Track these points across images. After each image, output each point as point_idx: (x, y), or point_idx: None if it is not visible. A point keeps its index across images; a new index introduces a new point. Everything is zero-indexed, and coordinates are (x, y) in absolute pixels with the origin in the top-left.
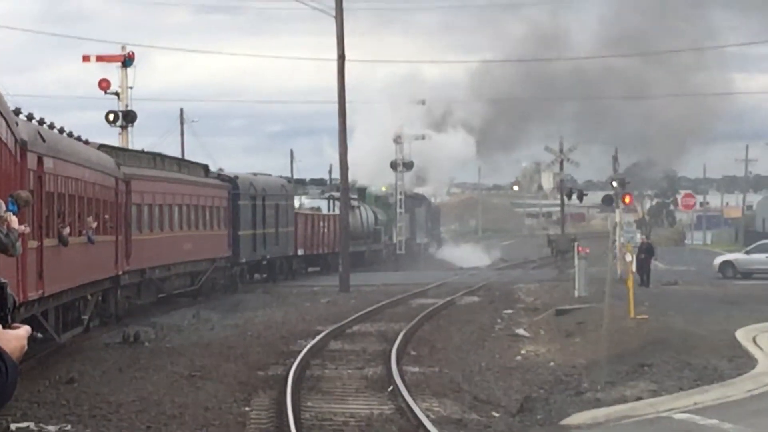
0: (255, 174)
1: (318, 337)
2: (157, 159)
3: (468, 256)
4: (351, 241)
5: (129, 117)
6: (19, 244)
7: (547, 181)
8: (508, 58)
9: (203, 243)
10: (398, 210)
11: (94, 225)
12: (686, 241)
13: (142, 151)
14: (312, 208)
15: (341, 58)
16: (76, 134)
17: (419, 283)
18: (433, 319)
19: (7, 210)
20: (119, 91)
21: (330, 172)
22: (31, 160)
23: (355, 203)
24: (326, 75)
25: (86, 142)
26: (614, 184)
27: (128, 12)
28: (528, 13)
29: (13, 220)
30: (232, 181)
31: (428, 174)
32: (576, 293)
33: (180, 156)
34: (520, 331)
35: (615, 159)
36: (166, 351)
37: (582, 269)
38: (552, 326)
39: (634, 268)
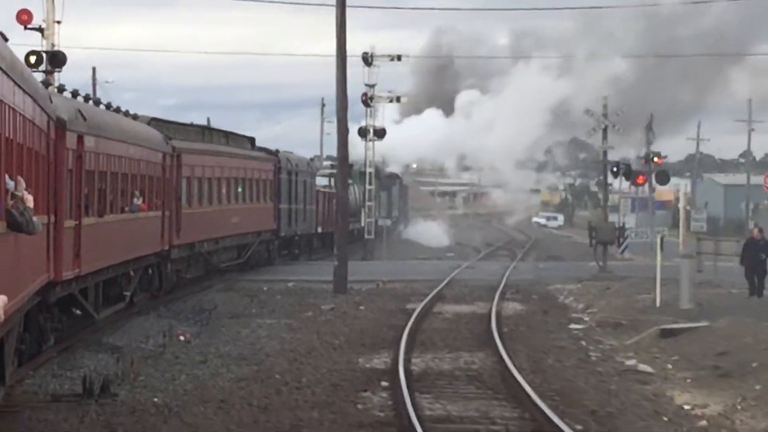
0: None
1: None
2: (205, 132)
3: (430, 236)
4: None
5: (56, 60)
6: (37, 221)
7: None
8: None
9: (250, 216)
10: (368, 186)
11: (140, 201)
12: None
13: (191, 124)
14: (323, 186)
15: (342, 6)
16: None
17: (421, 280)
18: (510, 344)
19: None
20: (44, 25)
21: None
22: (70, 139)
23: (349, 181)
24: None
25: (135, 117)
26: (655, 159)
27: None
28: None
29: (29, 199)
30: (274, 155)
31: (396, 154)
32: (658, 302)
33: None
34: (636, 364)
35: (649, 128)
36: (159, 414)
37: (687, 273)
38: (674, 356)
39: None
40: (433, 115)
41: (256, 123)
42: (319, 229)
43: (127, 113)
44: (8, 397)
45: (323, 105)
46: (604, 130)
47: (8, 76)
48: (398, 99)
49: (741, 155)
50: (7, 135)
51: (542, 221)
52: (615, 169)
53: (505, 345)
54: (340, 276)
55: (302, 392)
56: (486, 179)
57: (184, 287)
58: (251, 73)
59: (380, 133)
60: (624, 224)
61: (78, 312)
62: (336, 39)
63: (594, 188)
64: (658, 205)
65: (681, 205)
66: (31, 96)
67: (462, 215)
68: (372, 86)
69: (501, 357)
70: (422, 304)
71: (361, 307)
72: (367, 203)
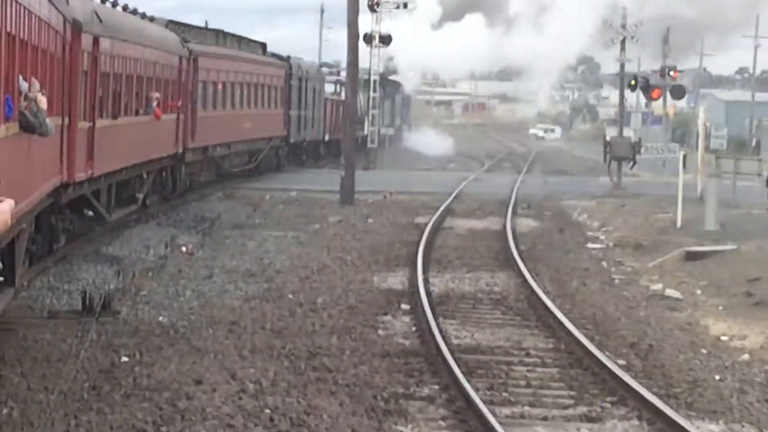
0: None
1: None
2: (219, 36)
3: (432, 145)
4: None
5: None
6: (49, 122)
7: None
8: None
9: (262, 122)
10: (372, 94)
11: (156, 96)
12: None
13: (207, 28)
14: (329, 93)
15: None
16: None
17: (429, 192)
18: (530, 264)
19: None
20: None
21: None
22: (86, 41)
23: None
24: None
25: (151, 20)
26: (671, 73)
27: None
28: None
29: (42, 101)
30: (286, 61)
31: (400, 61)
32: (679, 222)
33: None
34: (662, 289)
35: (666, 42)
36: (164, 335)
37: (713, 193)
38: (702, 281)
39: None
40: (473, 22)
41: (252, 27)
42: (327, 137)
43: (144, 15)
44: (3, 318)
45: (322, 11)
46: (622, 42)
47: None
48: (405, 5)
49: (737, 72)
50: (21, 36)
51: (540, 133)
52: (633, 82)
53: (526, 265)
54: (347, 186)
55: (318, 315)
56: (499, 90)
57: (184, 194)
58: None
59: (386, 40)
60: (640, 139)
61: (90, 213)
62: None
63: (593, 101)
64: (657, 120)
65: (700, 121)
66: None
67: (460, 125)
68: None
69: (525, 279)
70: (433, 218)
71: (370, 220)
72: (371, 111)
